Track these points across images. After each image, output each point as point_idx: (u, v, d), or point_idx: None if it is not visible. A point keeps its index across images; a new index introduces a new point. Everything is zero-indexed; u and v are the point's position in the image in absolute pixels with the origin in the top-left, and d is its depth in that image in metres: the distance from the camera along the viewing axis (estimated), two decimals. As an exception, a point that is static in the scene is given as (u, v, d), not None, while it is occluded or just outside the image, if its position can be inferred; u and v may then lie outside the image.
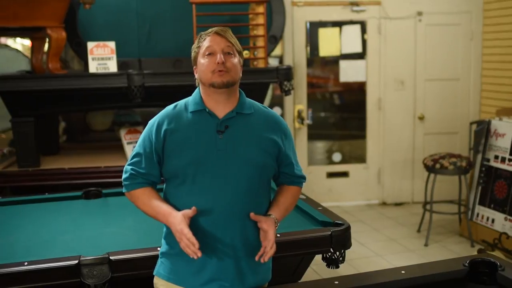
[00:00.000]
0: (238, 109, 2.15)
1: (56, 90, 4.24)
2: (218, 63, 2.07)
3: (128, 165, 2.17)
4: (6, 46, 5.97)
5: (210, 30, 2.16)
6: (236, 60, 2.13)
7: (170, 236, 2.13)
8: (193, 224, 2.05)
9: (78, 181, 4.16)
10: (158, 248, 2.28)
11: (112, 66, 4.37)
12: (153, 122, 2.17)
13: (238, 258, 2.12)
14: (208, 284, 2.11)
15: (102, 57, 4.35)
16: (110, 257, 2.44)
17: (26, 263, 2.39)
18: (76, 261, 2.40)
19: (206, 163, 2.08)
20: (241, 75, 2.17)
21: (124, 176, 2.17)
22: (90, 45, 4.35)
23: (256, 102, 2.26)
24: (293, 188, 2.30)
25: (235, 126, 2.13)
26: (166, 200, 2.15)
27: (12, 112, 4.38)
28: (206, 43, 2.12)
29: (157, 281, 2.21)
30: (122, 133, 4.67)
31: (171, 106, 2.20)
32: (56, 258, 2.44)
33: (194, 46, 2.17)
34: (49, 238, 2.84)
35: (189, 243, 1.98)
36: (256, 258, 2.09)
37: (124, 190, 2.19)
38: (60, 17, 4.40)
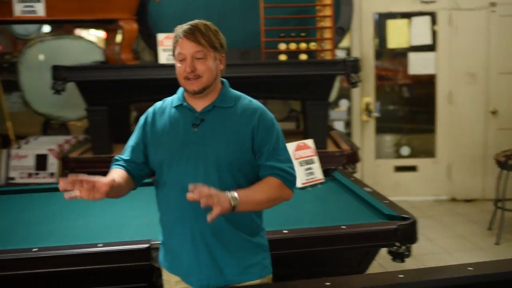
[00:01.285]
0: (217, 102, 2.14)
1: (128, 80, 4.38)
2: (187, 71, 2.06)
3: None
4: (81, 37, 6.21)
5: (180, 29, 2.10)
6: (209, 61, 2.08)
7: (161, 225, 2.23)
8: (167, 216, 2.17)
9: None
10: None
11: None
12: (143, 116, 2.25)
13: (211, 250, 2.11)
14: (188, 277, 2.15)
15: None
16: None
17: (100, 245, 2.50)
18: (147, 245, 2.49)
19: (180, 156, 2.10)
20: (221, 68, 2.15)
21: None
22: (160, 36, 4.46)
23: (243, 95, 2.22)
24: (271, 179, 2.13)
25: (211, 119, 2.13)
26: (156, 192, 2.22)
27: (87, 101, 4.55)
28: (178, 47, 2.09)
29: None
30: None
31: (161, 101, 2.25)
32: (128, 241, 2.55)
33: (172, 43, 2.14)
34: (121, 222, 2.95)
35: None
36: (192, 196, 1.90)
37: None
38: (132, 10, 4.53)
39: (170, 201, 2.15)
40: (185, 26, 2.10)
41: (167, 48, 4.44)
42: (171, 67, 4.27)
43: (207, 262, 2.12)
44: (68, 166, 4.47)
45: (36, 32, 6.08)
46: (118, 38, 4.82)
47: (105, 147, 4.53)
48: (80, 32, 6.40)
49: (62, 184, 1.91)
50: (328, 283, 2.00)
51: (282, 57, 4.65)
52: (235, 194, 1.99)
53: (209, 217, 1.91)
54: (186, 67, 2.05)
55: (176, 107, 2.17)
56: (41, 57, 6.01)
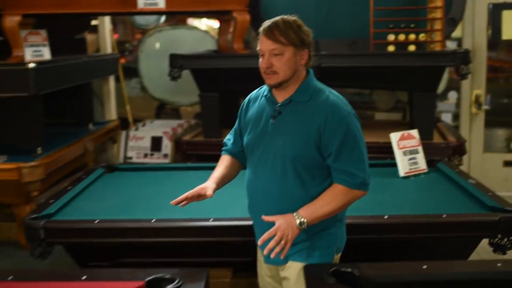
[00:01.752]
0: (294, 96, 2.20)
1: (239, 69, 4.59)
2: (263, 67, 2.16)
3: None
4: (195, 27, 6.53)
5: (263, 26, 2.18)
6: (286, 58, 2.13)
7: None
8: (248, 196, 2.34)
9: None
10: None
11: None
12: (244, 100, 2.42)
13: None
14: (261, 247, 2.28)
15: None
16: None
17: (211, 219, 2.72)
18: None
19: (258, 145, 2.25)
20: (303, 63, 2.19)
21: None
22: (271, 27, 4.62)
23: (324, 90, 2.23)
24: (336, 186, 2.18)
25: (287, 112, 2.20)
26: None
27: (200, 88, 4.82)
28: (258, 43, 2.19)
29: None
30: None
31: (257, 89, 2.39)
32: (235, 218, 2.74)
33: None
34: (230, 201, 3.15)
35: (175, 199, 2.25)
36: (264, 252, 2.09)
37: None
38: (245, 1, 4.73)
39: (251, 184, 2.31)
40: (266, 23, 2.17)
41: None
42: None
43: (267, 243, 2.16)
44: (181, 148, 4.76)
45: (155, 22, 6.47)
46: (231, 28, 5.05)
47: (215, 131, 4.78)
48: (193, 21, 6.72)
49: (174, 203, 2.25)
50: (425, 266, 2.08)
51: (391, 48, 4.67)
52: (303, 218, 2.11)
53: (281, 255, 2.10)
54: (264, 63, 2.16)
55: (265, 96, 2.29)
56: (158, 45, 6.40)
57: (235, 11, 4.66)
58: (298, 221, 2.11)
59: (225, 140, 2.50)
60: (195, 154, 4.78)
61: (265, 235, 2.11)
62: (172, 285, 1.94)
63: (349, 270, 2.02)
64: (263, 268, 2.44)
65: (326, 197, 2.17)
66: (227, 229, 2.73)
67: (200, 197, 2.26)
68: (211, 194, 2.25)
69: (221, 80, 4.78)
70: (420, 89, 4.64)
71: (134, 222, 2.74)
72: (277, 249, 2.08)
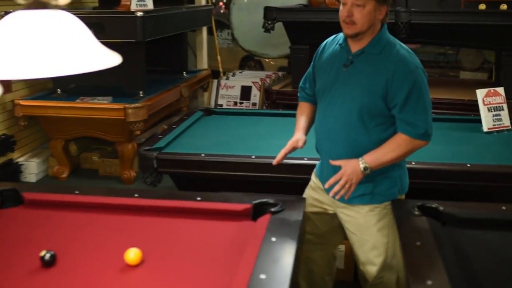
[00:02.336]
0: (366, 48, 2.27)
1: (330, 23, 4.74)
2: (344, 16, 2.22)
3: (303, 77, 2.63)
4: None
5: None
6: (367, 10, 2.18)
7: None
8: (317, 133, 2.48)
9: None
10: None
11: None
12: (319, 47, 2.53)
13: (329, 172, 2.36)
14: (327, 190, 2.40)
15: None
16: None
17: (305, 158, 2.99)
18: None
19: (330, 89, 2.36)
20: (380, 18, 2.25)
21: None
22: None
23: (396, 44, 2.29)
24: (399, 135, 2.28)
25: (358, 62, 2.29)
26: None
27: (291, 40, 5.04)
28: None
29: None
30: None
31: (334, 35, 2.49)
32: (299, 157, 2.92)
33: None
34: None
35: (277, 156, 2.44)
36: (330, 194, 2.28)
37: None
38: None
39: (317, 126, 2.48)
40: None
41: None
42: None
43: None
44: (271, 97, 5.04)
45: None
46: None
47: (304, 82, 5.01)
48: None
49: (276, 163, 2.46)
50: (504, 207, 2.28)
51: (482, 7, 4.71)
52: (367, 164, 2.25)
53: (346, 196, 2.29)
54: (345, 11, 2.22)
55: (340, 44, 2.38)
56: (248, -1, 6.63)
57: (328, -34, 4.82)
58: (362, 166, 2.26)
59: (300, 85, 2.63)
60: (282, 103, 5.05)
61: (332, 179, 2.29)
62: (275, 208, 2.22)
63: (434, 205, 2.24)
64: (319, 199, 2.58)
65: (390, 145, 2.29)
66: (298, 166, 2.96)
67: (293, 149, 2.45)
68: (302, 146, 2.43)
69: (312, 33, 4.97)
70: (509, 48, 4.68)
71: (235, 157, 3.05)
72: (342, 192, 2.26)
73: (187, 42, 6.37)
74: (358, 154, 2.29)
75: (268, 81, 5.90)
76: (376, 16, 2.23)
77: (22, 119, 4.71)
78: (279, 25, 5.04)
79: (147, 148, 3.16)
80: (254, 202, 2.28)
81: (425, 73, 2.30)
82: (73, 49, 1.46)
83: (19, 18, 1.35)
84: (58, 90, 4.93)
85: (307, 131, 2.53)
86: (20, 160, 4.89)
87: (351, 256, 3.29)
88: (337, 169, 2.31)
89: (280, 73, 6.22)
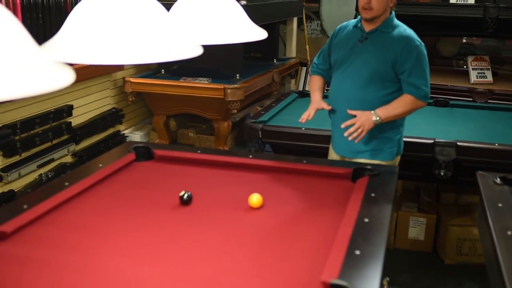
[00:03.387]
0: (380, 27, 2.89)
1: (417, 16, 5.01)
2: (365, 2, 2.81)
3: (316, 55, 3.22)
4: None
5: None
6: None
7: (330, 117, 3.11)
8: (330, 102, 3.04)
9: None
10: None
11: (470, -1, 4.95)
12: (334, 30, 3.13)
13: (341, 132, 2.89)
14: (334, 148, 3.10)
15: (462, -10, 4.96)
16: (457, 143, 3.20)
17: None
18: (432, 141, 3.22)
19: (346, 60, 2.96)
20: (392, 5, 2.87)
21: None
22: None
23: (402, 25, 2.92)
24: (406, 96, 2.86)
25: (372, 38, 2.91)
26: (330, 83, 3.11)
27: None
28: None
29: None
30: (469, 59, 5.26)
31: (346, 22, 3.09)
32: (417, 136, 3.29)
33: None
34: (408, 127, 3.69)
35: (301, 118, 3.01)
36: (345, 134, 2.83)
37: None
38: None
39: (333, 92, 3.06)
40: None
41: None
42: (460, 6, 4.85)
43: (348, 142, 2.91)
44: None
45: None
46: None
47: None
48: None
49: (303, 121, 3.03)
50: None
51: None
52: (378, 116, 2.81)
53: (356, 140, 2.83)
54: (365, 0, 2.82)
55: (354, 26, 3.00)
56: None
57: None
58: (374, 117, 2.83)
59: (314, 61, 3.23)
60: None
61: (348, 122, 2.84)
62: (372, 172, 2.56)
63: (513, 177, 2.52)
64: (333, 158, 3.13)
65: (398, 102, 2.87)
66: (410, 145, 3.28)
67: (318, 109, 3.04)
68: (330, 107, 3.03)
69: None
70: None
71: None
72: (355, 135, 2.82)
73: (279, 32, 6.75)
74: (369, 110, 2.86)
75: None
76: (388, 3, 2.87)
77: (130, 95, 5.23)
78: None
79: (253, 121, 3.56)
80: (354, 167, 2.63)
81: (425, 49, 2.88)
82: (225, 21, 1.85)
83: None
84: (162, 70, 5.43)
85: (322, 92, 3.16)
86: (126, 132, 5.41)
87: (431, 228, 3.59)
88: (340, 135, 2.90)
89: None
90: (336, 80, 3.05)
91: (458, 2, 4.96)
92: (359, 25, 2.98)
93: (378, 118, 2.84)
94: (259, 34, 2.01)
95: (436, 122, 3.88)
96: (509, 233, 1.97)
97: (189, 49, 1.62)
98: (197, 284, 1.67)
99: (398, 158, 3.06)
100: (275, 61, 6.32)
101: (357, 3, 3.00)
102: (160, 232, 2.04)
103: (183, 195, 2.29)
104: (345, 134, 2.85)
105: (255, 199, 2.26)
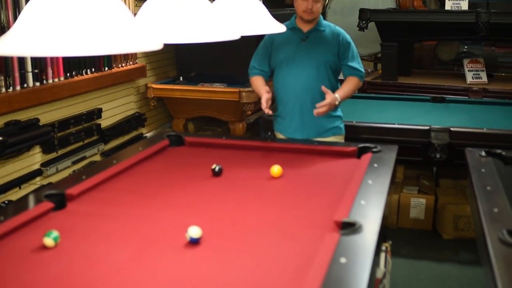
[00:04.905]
0: (316, 27, 3.48)
1: (417, 23, 5.46)
2: (307, 7, 3.34)
3: (252, 61, 3.69)
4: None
5: None
6: (319, 4, 3.39)
7: (278, 103, 3.63)
8: (284, 95, 3.54)
9: (425, 95, 5.33)
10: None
11: (464, 5, 5.38)
12: (266, 36, 3.62)
13: (307, 118, 3.44)
14: (294, 133, 3.51)
15: (458, -2, 5.40)
16: (450, 129, 3.62)
17: (396, 124, 3.73)
18: (428, 127, 3.64)
19: (293, 57, 3.46)
20: (321, 10, 3.45)
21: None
22: (448, -12, 5.42)
23: (330, 23, 3.58)
24: (351, 78, 3.50)
25: (313, 37, 3.48)
26: (275, 80, 3.59)
27: (382, 38, 5.76)
28: None
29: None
30: (465, 62, 5.69)
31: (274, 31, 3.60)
32: (414, 124, 3.71)
33: None
34: (407, 119, 4.11)
35: (264, 107, 3.39)
36: (315, 113, 3.31)
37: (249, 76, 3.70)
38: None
39: (287, 86, 3.50)
40: None
41: (452, -4, 5.39)
42: (454, 13, 5.29)
43: (309, 125, 3.47)
44: (362, 87, 5.75)
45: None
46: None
47: (392, 75, 5.71)
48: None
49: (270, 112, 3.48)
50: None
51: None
52: (339, 97, 3.38)
53: (316, 114, 3.31)
54: (308, 5, 3.34)
55: (289, 29, 3.41)
56: (344, 3, 7.36)
57: (417, -27, 5.51)
58: (337, 98, 3.37)
59: (251, 66, 3.70)
60: (374, 92, 5.75)
61: (320, 104, 3.29)
62: (375, 149, 2.97)
63: (498, 151, 2.92)
64: None
65: (347, 85, 3.48)
66: (409, 131, 3.71)
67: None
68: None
69: (400, 32, 5.68)
70: None
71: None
72: (320, 112, 3.30)
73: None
74: (323, 96, 3.36)
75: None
76: (321, 8, 3.48)
77: (152, 100, 5.66)
78: (370, 27, 5.77)
79: (268, 115, 3.98)
80: (359, 145, 3.05)
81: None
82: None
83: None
84: (181, 77, 5.88)
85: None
86: (148, 134, 5.83)
87: (430, 209, 3.99)
88: (305, 120, 3.50)
89: (369, 69, 6.92)
90: (285, 75, 3.54)
91: (453, 8, 5.39)
92: (296, 26, 3.52)
93: (339, 99, 3.41)
94: (279, 27, 2.43)
95: (433, 114, 4.31)
96: (488, 188, 2.37)
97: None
98: (236, 223, 2.09)
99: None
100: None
101: (296, 9, 3.51)
102: (198, 194, 2.46)
103: (215, 167, 2.71)
104: (315, 112, 3.32)
105: (276, 169, 2.68)
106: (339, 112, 3.60)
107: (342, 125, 3.62)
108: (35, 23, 1.27)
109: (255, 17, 2.23)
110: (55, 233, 1.90)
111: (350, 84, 3.50)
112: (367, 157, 2.88)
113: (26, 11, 1.33)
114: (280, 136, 3.65)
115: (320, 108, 3.31)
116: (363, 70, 3.55)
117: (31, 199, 2.29)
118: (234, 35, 1.98)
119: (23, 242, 1.93)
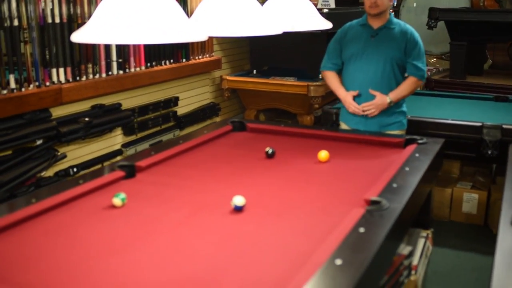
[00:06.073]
0: (386, 24, 3.66)
1: (487, 22, 5.51)
2: (371, 2, 3.56)
3: (325, 56, 3.91)
4: (453, -13, 7.42)
5: None
6: None
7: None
8: (351, 87, 3.72)
9: (494, 94, 5.32)
10: None
11: (537, 6, 5.39)
12: (340, 30, 3.82)
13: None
14: (357, 124, 3.72)
15: (529, -2, 5.40)
16: (503, 126, 3.73)
17: (449, 120, 3.87)
18: (480, 124, 3.77)
19: (362, 53, 3.67)
20: (390, 4, 3.63)
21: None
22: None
23: (400, 21, 3.71)
24: (411, 78, 3.65)
25: (382, 34, 3.66)
26: (344, 73, 3.80)
27: (451, 37, 5.84)
28: None
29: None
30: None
31: (349, 22, 3.82)
32: (465, 120, 3.89)
33: None
34: (465, 115, 4.23)
35: (355, 108, 3.67)
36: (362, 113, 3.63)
37: (320, 69, 3.97)
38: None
39: (354, 79, 3.71)
40: None
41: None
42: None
43: (369, 117, 3.68)
44: (429, 85, 5.88)
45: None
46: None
47: (460, 73, 5.80)
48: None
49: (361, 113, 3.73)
50: None
51: None
52: (391, 99, 3.60)
53: (370, 115, 3.65)
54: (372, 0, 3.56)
55: (360, 25, 3.71)
56: (416, 3, 7.45)
57: (490, -27, 5.55)
58: (388, 100, 3.61)
59: (323, 60, 3.94)
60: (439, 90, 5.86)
61: (367, 104, 3.62)
62: (421, 141, 3.16)
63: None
64: None
65: (404, 85, 3.65)
66: (460, 127, 3.85)
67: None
68: (357, 93, 3.73)
69: (470, 31, 5.74)
70: None
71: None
72: (368, 112, 3.63)
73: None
74: (389, 90, 3.64)
75: (429, 73, 6.70)
76: (388, 3, 3.63)
77: (226, 91, 6.02)
78: (441, 27, 5.87)
79: (329, 107, 4.23)
80: (406, 137, 3.25)
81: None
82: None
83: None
84: (254, 71, 6.20)
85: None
86: (222, 124, 6.20)
87: (483, 204, 4.10)
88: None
89: (440, 68, 6.98)
90: (354, 69, 3.74)
91: (524, 8, 5.41)
92: (366, 23, 3.71)
93: (390, 100, 3.62)
94: (325, 24, 2.69)
95: (492, 112, 4.40)
96: (520, 181, 2.53)
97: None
98: (278, 196, 2.38)
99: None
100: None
101: (364, 6, 3.70)
102: (249, 172, 2.76)
103: (268, 150, 3.00)
104: (362, 112, 3.66)
105: (323, 154, 2.94)
106: (403, 108, 3.78)
107: (404, 120, 3.79)
108: (106, 17, 1.61)
109: (302, 14, 2.49)
110: (122, 195, 2.26)
111: (406, 85, 3.66)
112: (411, 147, 3.08)
113: (103, 6, 1.68)
114: (344, 126, 3.87)
115: (368, 109, 3.61)
116: (425, 70, 3.69)
117: (107, 169, 2.67)
118: (276, 30, 2.25)
119: (96, 201, 2.31)
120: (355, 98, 3.72)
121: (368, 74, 3.66)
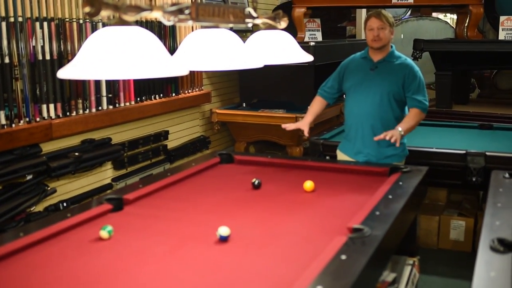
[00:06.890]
0: (386, 58, 3.70)
1: (471, 52, 5.63)
2: (374, 35, 3.60)
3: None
4: (438, 19, 7.59)
5: (370, 13, 3.66)
6: (386, 31, 3.61)
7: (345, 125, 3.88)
8: (350, 120, 3.80)
9: (479, 122, 5.41)
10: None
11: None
12: (343, 62, 3.91)
13: (370, 144, 3.65)
14: (356, 155, 3.74)
15: (510, 28, 5.53)
16: (486, 153, 3.80)
17: (434, 148, 3.94)
18: (464, 152, 3.84)
19: (361, 84, 3.71)
20: (391, 37, 3.66)
21: None
22: (502, 18, 5.56)
23: (402, 55, 3.73)
24: (414, 110, 3.62)
25: (382, 67, 3.69)
26: (345, 104, 3.90)
27: (436, 67, 5.96)
28: (369, 22, 3.66)
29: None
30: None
31: (353, 55, 3.90)
32: (450, 148, 3.93)
33: (364, 22, 3.74)
34: (450, 144, 4.29)
35: (288, 126, 3.78)
36: (375, 139, 3.51)
37: None
38: (480, -3, 5.73)
39: (352, 110, 3.77)
40: (375, 11, 3.64)
41: (506, 27, 5.52)
42: (508, 42, 5.42)
43: (369, 148, 3.69)
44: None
45: (402, 14, 7.69)
46: (467, 20, 6.06)
47: (446, 103, 5.89)
48: (437, 14, 7.77)
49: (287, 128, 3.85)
50: None
51: None
52: (402, 130, 3.49)
53: (397, 143, 3.46)
54: (374, 33, 3.60)
55: (362, 58, 3.78)
56: (402, 34, 7.60)
57: (471, 5, 5.66)
58: (400, 131, 3.47)
59: (322, 87, 4.00)
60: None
61: (382, 135, 3.45)
62: (405, 169, 3.22)
63: (521, 173, 3.11)
64: None
65: (410, 117, 3.62)
66: (447, 156, 3.92)
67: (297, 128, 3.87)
68: (306, 132, 3.86)
69: (455, 61, 5.86)
70: None
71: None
72: (392, 140, 3.40)
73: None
74: (387, 126, 3.57)
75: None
76: (390, 36, 3.67)
77: (216, 124, 6.09)
78: (426, 58, 5.99)
79: (316, 138, 4.30)
80: (390, 167, 3.31)
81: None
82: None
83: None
84: (244, 104, 6.29)
85: (315, 116, 4.00)
86: (212, 156, 6.25)
87: (470, 231, 4.15)
88: (366, 144, 3.71)
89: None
90: (353, 101, 3.80)
91: (506, 38, 5.52)
92: (368, 56, 3.77)
93: (402, 131, 3.51)
94: (306, 57, 2.77)
95: (476, 140, 4.48)
96: (498, 205, 2.58)
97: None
98: (262, 227, 2.42)
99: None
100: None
101: (366, 40, 3.76)
102: (236, 203, 2.81)
103: (254, 181, 3.05)
104: (375, 138, 3.53)
105: (308, 184, 2.99)
106: (403, 139, 3.66)
107: (402, 153, 3.77)
108: (92, 53, 1.67)
109: (283, 48, 2.57)
110: (109, 227, 2.30)
111: (411, 116, 3.62)
112: (395, 176, 3.14)
113: (88, 44, 1.74)
114: (343, 156, 3.88)
115: (389, 137, 3.44)
116: (426, 103, 3.65)
117: (94, 202, 2.71)
118: (257, 64, 2.32)
119: (83, 234, 2.34)
120: (352, 127, 3.80)
121: (365, 106, 3.69)
